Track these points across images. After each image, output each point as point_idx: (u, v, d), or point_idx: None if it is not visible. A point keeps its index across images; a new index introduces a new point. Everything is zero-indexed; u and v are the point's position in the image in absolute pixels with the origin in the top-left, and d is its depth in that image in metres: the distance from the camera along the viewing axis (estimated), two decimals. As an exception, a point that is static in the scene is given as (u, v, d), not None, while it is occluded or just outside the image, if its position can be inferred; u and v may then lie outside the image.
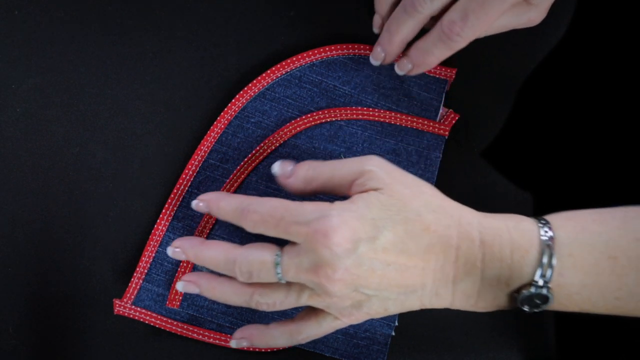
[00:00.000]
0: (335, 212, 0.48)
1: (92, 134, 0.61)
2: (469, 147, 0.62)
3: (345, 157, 0.60)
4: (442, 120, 0.61)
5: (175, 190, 0.59)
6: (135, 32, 0.62)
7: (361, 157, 0.51)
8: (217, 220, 0.59)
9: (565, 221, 0.50)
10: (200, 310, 0.58)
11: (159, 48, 0.62)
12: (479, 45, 0.60)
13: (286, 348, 0.59)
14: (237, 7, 0.62)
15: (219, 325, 0.59)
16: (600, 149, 0.62)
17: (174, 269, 0.59)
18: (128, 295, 0.58)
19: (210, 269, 0.54)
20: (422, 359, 0.60)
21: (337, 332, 0.58)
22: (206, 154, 0.60)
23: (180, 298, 0.58)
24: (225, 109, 0.60)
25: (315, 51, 0.61)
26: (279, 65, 0.60)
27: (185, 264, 0.58)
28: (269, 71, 0.60)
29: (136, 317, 0.58)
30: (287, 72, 0.61)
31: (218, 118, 0.60)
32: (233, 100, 0.60)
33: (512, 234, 0.50)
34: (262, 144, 0.60)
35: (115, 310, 0.58)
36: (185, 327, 0.59)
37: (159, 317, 0.58)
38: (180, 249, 0.54)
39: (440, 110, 0.61)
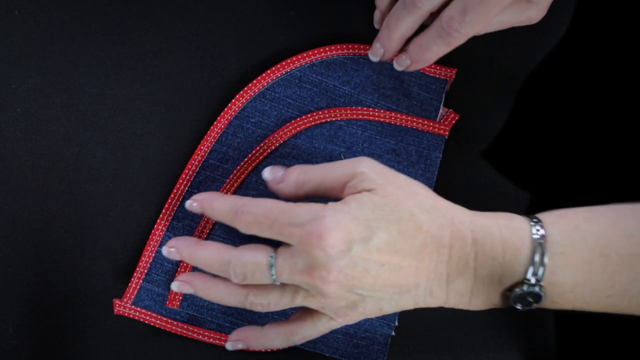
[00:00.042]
0: (329, 214, 0.48)
1: (92, 134, 0.61)
2: (469, 147, 0.62)
3: (345, 157, 0.60)
4: (442, 120, 0.61)
5: (175, 190, 0.59)
6: (135, 32, 0.62)
7: (352, 159, 0.52)
8: (217, 222, 0.59)
9: (558, 219, 0.50)
10: (200, 310, 0.58)
11: (159, 48, 0.62)
12: (479, 45, 0.60)
13: (285, 348, 0.59)
14: (237, 7, 0.62)
15: (219, 325, 0.59)
16: (601, 149, 0.62)
17: (174, 269, 0.59)
18: (128, 295, 0.58)
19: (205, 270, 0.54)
20: (422, 359, 0.60)
21: (337, 332, 0.58)
22: (206, 154, 0.60)
23: (180, 298, 0.58)
24: (225, 109, 0.60)
25: (315, 51, 0.61)
26: (279, 65, 0.60)
27: (184, 264, 0.58)
28: (269, 71, 0.60)
29: (136, 317, 0.58)
30: (287, 72, 0.61)
31: (218, 118, 0.60)
32: (233, 100, 0.60)
33: (504, 232, 0.50)
34: (262, 144, 0.60)
35: (115, 310, 0.58)
36: (185, 327, 0.59)
37: (159, 317, 0.58)
38: (175, 248, 0.54)
39: (440, 110, 0.61)
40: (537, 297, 0.50)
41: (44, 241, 0.59)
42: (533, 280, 0.49)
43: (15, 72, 0.61)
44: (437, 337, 0.60)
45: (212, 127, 0.60)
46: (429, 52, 0.57)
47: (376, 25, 0.61)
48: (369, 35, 0.60)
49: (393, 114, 0.60)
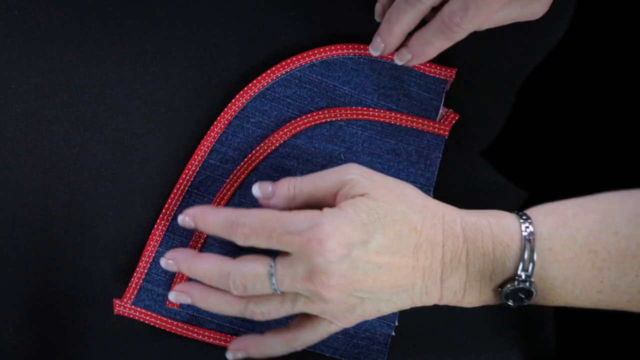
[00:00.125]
0: (327, 220, 0.49)
1: (92, 134, 0.61)
2: (469, 147, 0.62)
3: (345, 157, 0.60)
4: (442, 120, 0.61)
5: (175, 190, 0.59)
6: (135, 32, 0.62)
7: (340, 167, 0.52)
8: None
9: (546, 216, 0.51)
10: (200, 310, 0.58)
11: (159, 48, 0.62)
12: (479, 45, 0.60)
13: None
14: (237, 7, 0.62)
15: (219, 325, 0.59)
16: (601, 148, 0.62)
17: (174, 269, 0.59)
18: (128, 295, 0.58)
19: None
20: (422, 359, 0.60)
21: (337, 332, 0.58)
22: (206, 154, 0.60)
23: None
24: (225, 109, 0.60)
25: (315, 51, 0.61)
26: (279, 65, 0.60)
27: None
28: (269, 71, 0.60)
29: (136, 317, 0.58)
30: (287, 72, 0.61)
31: (218, 118, 0.60)
32: (233, 100, 0.60)
33: (494, 230, 0.51)
34: (262, 144, 0.60)
35: (115, 310, 0.58)
36: (185, 327, 0.59)
37: (159, 317, 0.58)
38: (173, 260, 0.54)
39: (440, 110, 0.61)
40: (529, 293, 0.51)
41: (44, 241, 0.59)
42: (523, 276, 0.50)
43: (15, 72, 0.61)
44: (437, 337, 0.60)
45: (212, 127, 0.60)
46: (430, 46, 0.57)
47: (377, 18, 0.61)
48: (369, 35, 0.60)
49: (393, 114, 0.60)
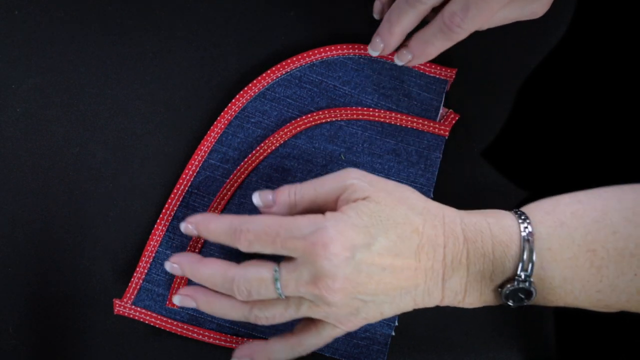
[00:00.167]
0: (331, 224, 0.49)
1: (92, 134, 0.61)
2: (469, 147, 0.62)
3: (345, 157, 0.60)
4: (442, 121, 0.61)
5: (175, 190, 0.59)
6: (135, 32, 0.62)
7: (339, 172, 0.52)
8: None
9: (545, 215, 0.51)
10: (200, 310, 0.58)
11: (159, 48, 0.62)
12: (479, 45, 0.60)
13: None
14: (237, 7, 0.62)
15: (219, 325, 0.59)
16: (601, 148, 0.62)
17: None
18: (128, 295, 0.58)
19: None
20: (422, 359, 0.60)
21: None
22: (206, 154, 0.60)
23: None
24: (226, 109, 0.60)
25: (315, 51, 0.61)
26: (279, 65, 0.60)
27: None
28: (269, 71, 0.60)
29: (136, 317, 0.58)
30: (287, 72, 0.61)
31: (218, 118, 0.60)
32: (233, 100, 0.60)
33: (493, 230, 0.51)
34: (262, 144, 0.60)
35: (115, 310, 0.58)
36: (185, 327, 0.59)
37: (159, 317, 0.58)
38: (177, 265, 0.54)
39: (440, 111, 0.61)
40: (528, 293, 0.51)
41: (44, 241, 0.59)
42: (523, 276, 0.50)
43: (15, 72, 0.61)
44: (437, 337, 0.60)
45: (212, 127, 0.60)
46: (431, 46, 0.57)
47: (375, 16, 0.61)
48: (369, 35, 0.60)
49: (393, 114, 0.60)
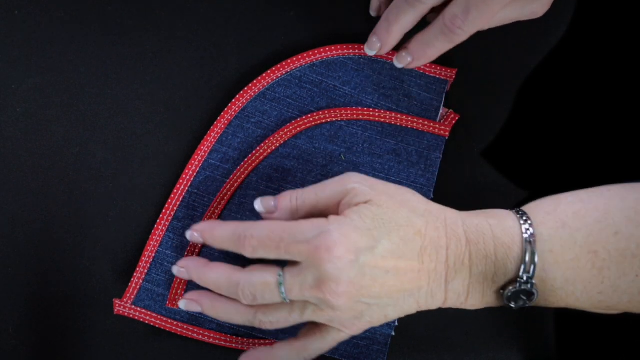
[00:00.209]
0: (334, 227, 0.49)
1: (92, 134, 0.61)
2: (469, 147, 0.62)
3: (345, 157, 0.60)
4: (442, 121, 0.61)
5: (175, 190, 0.59)
6: (135, 32, 0.62)
7: (340, 177, 0.52)
8: (217, 221, 0.59)
9: (546, 216, 0.51)
10: (201, 310, 0.58)
11: (159, 48, 0.62)
12: (479, 45, 0.60)
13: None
14: (237, 7, 0.62)
15: (219, 325, 0.59)
16: (601, 148, 0.62)
17: (174, 269, 0.59)
18: (128, 295, 0.58)
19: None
20: (422, 359, 0.60)
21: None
22: (206, 154, 0.60)
23: (180, 298, 0.58)
24: (226, 109, 0.60)
25: (315, 51, 0.61)
26: (279, 66, 0.60)
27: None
28: (269, 71, 0.60)
29: (136, 317, 0.58)
30: (287, 72, 0.61)
31: (218, 118, 0.60)
32: (233, 100, 0.60)
33: (495, 232, 0.51)
34: (262, 144, 0.60)
35: (115, 310, 0.58)
36: (185, 327, 0.59)
37: (159, 317, 0.58)
38: (184, 269, 0.55)
39: (441, 111, 0.61)
40: (530, 295, 0.51)
41: (44, 241, 0.59)
42: (525, 278, 0.50)
43: (15, 72, 0.61)
44: (437, 337, 0.60)
45: (212, 127, 0.60)
46: (432, 48, 0.57)
47: (372, 13, 0.61)
48: (369, 36, 0.60)
49: (393, 114, 0.60)
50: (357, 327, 0.52)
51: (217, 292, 0.54)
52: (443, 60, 0.60)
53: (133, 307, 0.58)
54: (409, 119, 0.60)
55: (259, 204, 0.54)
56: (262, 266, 0.51)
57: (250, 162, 0.60)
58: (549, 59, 0.62)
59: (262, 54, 0.62)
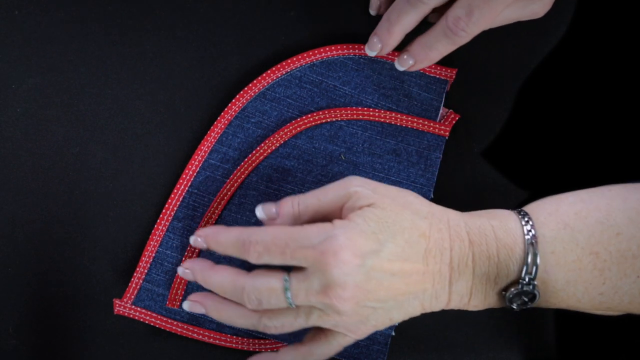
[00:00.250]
0: (340, 232, 0.48)
1: (92, 134, 0.61)
2: (469, 147, 0.62)
3: (345, 157, 0.60)
4: (442, 121, 0.61)
5: (175, 190, 0.59)
6: (135, 32, 0.62)
7: (342, 181, 0.52)
8: (217, 222, 0.59)
9: (548, 217, 0.51)
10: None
11: (159, 48, 0.62)
12: (479, 45, 0.60)
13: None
14: (237, 7, 0.62)
15: (219, 325, 0.59)
16: (601, 148, 0.62)
17: (174, 269, 0.59)
18: (128, 295, 0.58)
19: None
20: (422, 359, 0.60)
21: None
22: (206, 154, 0.60)
23: (180, 298, 0.58)
24: (226, 109, 0.60)
25: (316, 51, 0.61)
26: (279, 66, 0.60)
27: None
28: (269, 71, 0.60)
29: (136, 317, 0.58)
30: (288, 72, 0.61)
31: (218, 118, 0.60)
32: (233, 100, 0.60)
33: (497, 233, 0.51)
34: (262, 144, 0.60)
35: (115, 310, 0.58)
36: (185, 327, 0.59)
37: (159, 317, 0.58)
38: (190, 270, 0.54)
39: (441, 111, 0.61)
40: (532, 296, 0.51)
41: (44, 241, 0.59)
42: (527, 279, 0.50)
43: (15, 72, 0.61)
44: (437, 337, 0.60)
45: (212, 127, 0.60)
46: (434, 51, 0.57)
47: (372, 12, 0.61)
48: (369, 36, 0.60)
49: (393, 114, 0.60)
50: (362, 331, 0.51)
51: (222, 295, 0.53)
52: (443, 60, 0.60)
53: (133, 307, 0.58)
54: (409, 119, 0.60)
55: (260, 211, 0.53)
56: (268, 271, 0.51)
57: (250, 162, 0.60)
58: (549, 59, 0.63)
59: (262, 54, 0.62)
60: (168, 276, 0.59)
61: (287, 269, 0.51)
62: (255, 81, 0.60)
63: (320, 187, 0.52)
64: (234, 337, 0.59)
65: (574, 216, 0.50)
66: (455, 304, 0.52)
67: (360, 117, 0.60)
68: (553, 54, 0.62)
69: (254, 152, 0.60)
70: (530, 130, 0.62)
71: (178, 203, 0.59)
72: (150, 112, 0.61)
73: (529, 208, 0.52)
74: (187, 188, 0.59)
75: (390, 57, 0.61)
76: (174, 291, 0.58)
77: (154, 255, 0.59)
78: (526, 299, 0.51)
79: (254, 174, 0.60)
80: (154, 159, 0.60)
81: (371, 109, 0.60)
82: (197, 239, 0.53)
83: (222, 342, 0.59)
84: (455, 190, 0.61)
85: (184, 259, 0.58)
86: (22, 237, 0.59)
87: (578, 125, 0.62)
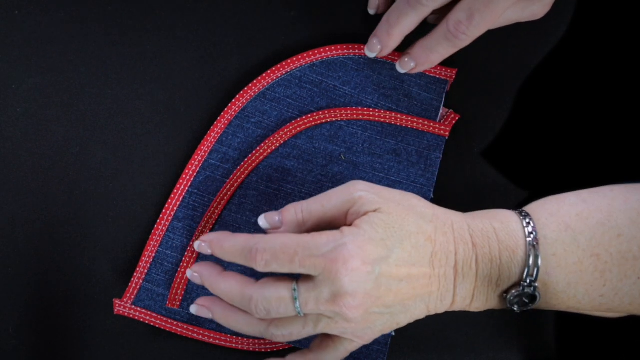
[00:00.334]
0: (349, 239, 0.48)
1: (92, 134, 0.61)
2: (469, 147, 0.62)
3: (345, 157, 0.60)
4: (442, 121, 0.61)
5: (175, 190, 0.59)
6: (135, 32, 0.62)
7: (345, 186, 0.51)
8: (217, 222, 0.59)
9: (549, 218, 0.51)
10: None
11: (159, 48, 0.62)
12: (479, 46, 0.60)
13: (286, 348, 0.59)
14: (237, 7, 0.62)
15: (219, 325, 0.59)
16: (601, 148, 0.62)
17: (174, 269, 0.59)
18: (128, 295, 0.58)
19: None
20: (422, 359, 0.60)
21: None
22: (206, 154, 0.60)
23: (180, 298, 0.58)
24: (226, 109, 0.60)
25: (316, 51, 0.61)
26: (279, 66, 0.60)
27: (185, 264, 0.58)
28: (269, 71, 0.60)
29: (136, 317, 0.58)
30: (288, 72, 0.61)
31: (218, 118, 0.60)
32: (233, 100, 0.60)
33: (500, 236, 0.51)
34: (262, 144, 0.60)
35: (115, 310, 0.58)
36: (185, 327, 0.59)
37: (159, 317, 0.58)
38: (198, 274, 0.53)
39: (441, 111, 0.61)
40: (532, 298, 0.51)
41: (44, 241, 0.59)
42: (528, 281, 0.50)
43: (15, 72, 0.61)
44: (437, 337, 0.60)
45: (212, 127, 0.60)
46: (435, 54, 0.57)
47: (371, 11, 0.61)
48: (369, 36, 0.60)
49: (393, 114, 0.60)
50: (369, 337, 0.51)
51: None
52: (443, 61, 0.60)
53: (133, 307, 0.58)
54: (409, 119, 0.60)
55: (262, 221, 0.52)
56: (275, 280, 0.50)
57: (250, 162, 0.60)
58: (549, 59, 0.63)
59: (262, 54, 0.62)
60: (168, 276, 0.59)
61: (292, 277, 0.50)
62: (255, 81, 0.60)
63: (323, 193, 0.52)
64: (234, 337, 0.59)
65: (576, 217, 0.50)
66: (459, 306, 0.52)
67: (360, 117, 0.60)
68: (553, 54, 0.62)
69: (254, 152, 0.60)
70: (531, 130, 0.62)
71: (178, 203, 0.59)
72: (150, 112, 0.61)
73: (530, 208, 0.52)
74: (187, 188, 0.59)
75: (390, 57, 0.61)
76: (174, 291, 0.58)
77: (154, 255, 0.59)
78: (527, 301, 0.51)
79: (254, 174, 0.60)
80: (154, 159, 0.60)
81: (371, 109, 0.60)
82: (201, 244, 0.53)
83: (222, 342, 0.59)
84: (455, 190, 0.61)
85: (184, 259, 0.58)
86: (22, 237, 0.59)
87: (578, 125, 0.62)
